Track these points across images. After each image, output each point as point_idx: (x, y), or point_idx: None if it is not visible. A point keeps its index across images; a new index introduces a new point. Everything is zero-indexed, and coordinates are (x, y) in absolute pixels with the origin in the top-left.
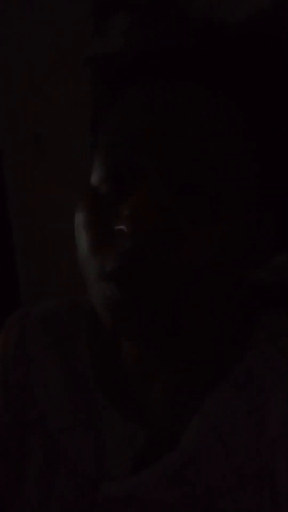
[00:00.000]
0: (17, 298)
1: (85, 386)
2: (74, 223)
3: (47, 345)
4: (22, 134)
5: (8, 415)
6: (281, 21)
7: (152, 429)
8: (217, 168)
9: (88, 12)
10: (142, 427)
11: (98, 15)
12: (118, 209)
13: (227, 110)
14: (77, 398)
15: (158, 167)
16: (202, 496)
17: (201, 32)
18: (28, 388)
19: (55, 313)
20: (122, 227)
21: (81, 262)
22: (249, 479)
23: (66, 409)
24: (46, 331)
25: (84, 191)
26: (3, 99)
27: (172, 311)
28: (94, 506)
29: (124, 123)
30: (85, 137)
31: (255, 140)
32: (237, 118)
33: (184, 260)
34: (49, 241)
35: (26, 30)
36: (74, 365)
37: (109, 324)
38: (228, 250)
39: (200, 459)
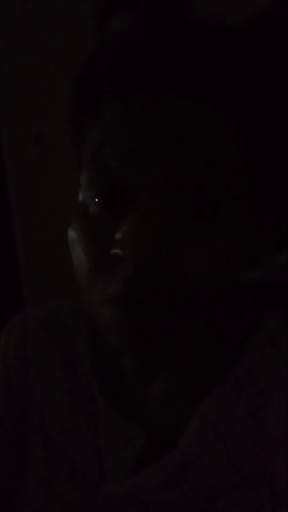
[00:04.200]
0: (19, 300)
1: (86, 387)
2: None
3: (48, 347)
4: (24, 135)
5: (9, 416)
6: (281, 19)
7: (152, 430)
8: (214, 181)
9: (89, 12)
10: (142, 427)
11: (98, 15)
12: (113, 230)
13: (223, 121)
14: (77, 400)
15: (153, 185)
16: (202, 496)
17: (200, 40)
18: (28, 389)
19: (56, 315)
20: (117, 251)
21: (81, 283)
22: (250, 479)
23: (66, 410)
24: (47, 333)
25: (75, 207)
26: (5, 101)
27: (176, 328)
28: (94, 506)
29: (114, 136)
30: None
31: (251, 149)
32: (232, 128)
33: (186, 278)
34: (52, 242)
35: (27, 31)
36: (75, 367)
37: (115, 346)
38: (228, 260)
39: (200, 459)
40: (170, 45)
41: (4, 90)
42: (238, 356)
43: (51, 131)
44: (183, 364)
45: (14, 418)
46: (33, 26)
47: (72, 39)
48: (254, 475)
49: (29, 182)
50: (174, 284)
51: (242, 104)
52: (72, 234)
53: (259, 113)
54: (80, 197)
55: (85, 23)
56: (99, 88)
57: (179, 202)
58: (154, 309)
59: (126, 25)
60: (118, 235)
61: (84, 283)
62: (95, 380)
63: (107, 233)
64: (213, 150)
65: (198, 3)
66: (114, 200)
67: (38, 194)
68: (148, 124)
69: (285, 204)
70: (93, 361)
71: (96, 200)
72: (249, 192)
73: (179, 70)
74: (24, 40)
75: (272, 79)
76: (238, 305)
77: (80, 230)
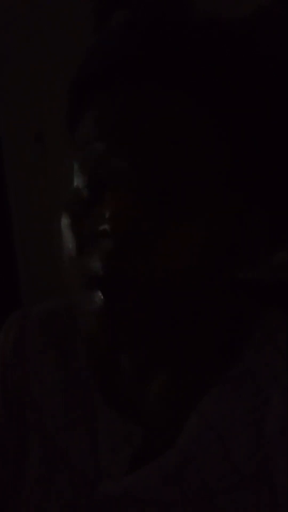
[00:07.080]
0: (18, 298)
1: (83, 385)
2: None
3: (45, 345)
4: (23, 133)
5: (6, 414)
6: (281, 19)
7: (149, 428)
8: (188, 170)
9: (89, 12)
10: (140, 425)
11: (99, 14)
12: (97, 212)
13: (198, 112)
14: (74, 397)
15: (131, 171)
16: (201, 495)
17: (198, 38)
18: (26, 387)
19: (54, 313)
20: (104, 227)
21: (65, 269)
22: (248, 478)
23: (64, 408)
24: (45, 331)
25: (67, 195)
26: (4, 99)
27: (161, 316)
28: (92, 505)
29: (97, 127)
30: None
31: (231, 142)
32: (208, 118)
33: (165, 262)
34: (51, 240)
35: (27, 30)
36: (72, 364)
37: (95, 334)
38: (212, 249)
39: (198, 458)
40: (166, 43)
41: (3, 88)
42: (237, 355)
43: (50, 129)
44: (181, 362)
45: (11, 416)
46: (33, 24)
47: (72, 39)
48: (253, 475)
49: (28, 180)
50: (156, 267)
51: (234, 104)
52: (62, 220)
53: (252, 115)
54: (74, 184)
55: (85, 23)
56: (92, 85)
57: (156, 187)
58: (135, 292)
59: (123, 21)
60: (100, 215)
61: (68, 267)
62: (93, 378)
63: (92, 215)
64: (188, 140)
65: (198, 3)
66: (101, 186)
67: (37, 192)
68: (128, 113)
69: (280, 204)
70: (90, 359)
71: (85, 186)
72: (233, 186)
73: (173, 67)
74: (24, 39)
75: (269, 81)
76: (237, 304)
77: (68, 214)
